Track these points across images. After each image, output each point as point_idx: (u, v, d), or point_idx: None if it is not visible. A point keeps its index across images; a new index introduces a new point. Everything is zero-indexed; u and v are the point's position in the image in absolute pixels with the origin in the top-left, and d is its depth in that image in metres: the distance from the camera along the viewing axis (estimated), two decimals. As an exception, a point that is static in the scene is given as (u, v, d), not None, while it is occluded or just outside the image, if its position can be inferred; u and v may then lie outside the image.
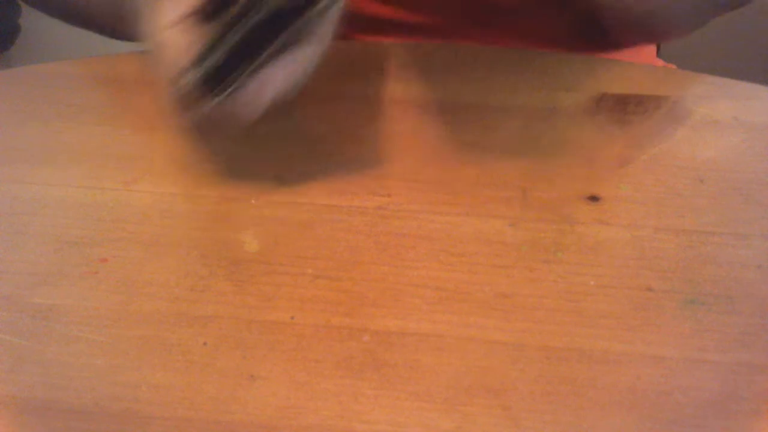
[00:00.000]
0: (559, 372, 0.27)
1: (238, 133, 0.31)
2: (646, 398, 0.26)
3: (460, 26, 0.49)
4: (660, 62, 0.58)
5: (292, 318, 0.29)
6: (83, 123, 0.40)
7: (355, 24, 0.50)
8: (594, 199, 0.34)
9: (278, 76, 0.30)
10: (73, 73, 0.44)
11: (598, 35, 0.50)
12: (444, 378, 0.27)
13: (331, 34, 0.32)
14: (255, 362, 0.28)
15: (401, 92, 0.42)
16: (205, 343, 0.28)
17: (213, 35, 0.29)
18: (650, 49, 0.57)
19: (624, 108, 0.40)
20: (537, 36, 0.49)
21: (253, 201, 0.35)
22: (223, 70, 0.29)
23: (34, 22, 1.51)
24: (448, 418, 0.26)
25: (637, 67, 0.45)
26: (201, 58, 0.29)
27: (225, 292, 0.30)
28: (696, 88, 0.41)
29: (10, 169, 0.37)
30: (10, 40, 1.51)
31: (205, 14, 0.29)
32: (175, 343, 0.28)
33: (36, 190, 0.35)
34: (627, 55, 0.53)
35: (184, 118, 0.31)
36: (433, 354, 0.28)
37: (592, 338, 0.28)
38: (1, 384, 0.27)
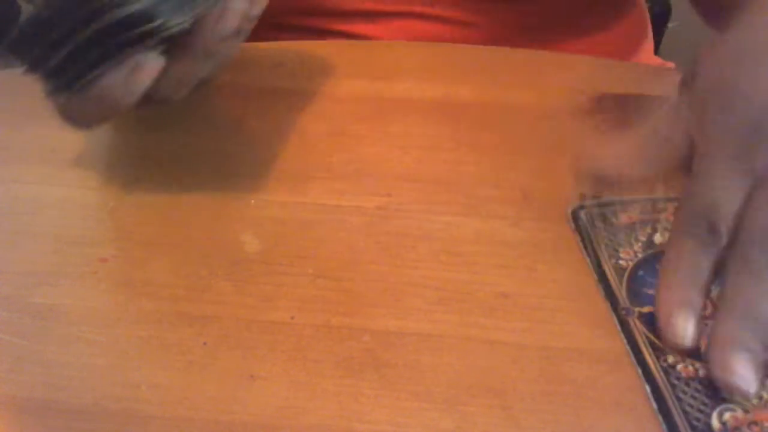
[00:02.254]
0: (559, 372, 0.27)
1: (114, 119, 0.31)
2: (646, 398, 0.26)
3: (467, 15, 0.49)
4: (658, 61, 0.58)
5: (292, 318, 0.29)
6: (83, 123, 0.40)
7: (352, 17, 0.49)
8: (594, 199, 0.34)
9: (153, 67, 0.29)
10: (73, 72, 0.44)
11: (599, 28, 0.50)
12: (444, 378, 0.27)
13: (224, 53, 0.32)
14: (255, 362, 0.28)
15: (401, 92, 0.42)
16: (205, 343, 0.28)
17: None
18: (649, 48, 0.57)
19: (624, 108, 0.40)
20: (536, 31, 0.49)
21: (253, 201, 0.35)
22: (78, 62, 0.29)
23: (34, 22, 1.50)
24: (448, 418, 0.26)
25: (637, 67, 0.45)
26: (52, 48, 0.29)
27: (225, 292, 0.30)
28: (696, 88, 0.41)
29: (10, 169, 0.37)
30: (10, 40, 1.51)
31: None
32: (175, 343, 0.28)
33: (36, 190, 0.35)
34: (626, 54, 0.53)
35: (56, 105, 0.31)
36: (433, 354, 0.28)
37: (592, 338, 0.28)
38: (1, 384, 0.27)
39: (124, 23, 0.28)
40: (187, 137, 0.39)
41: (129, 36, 0.29)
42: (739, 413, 0.25)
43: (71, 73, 0.29)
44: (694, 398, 0.26)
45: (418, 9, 0.48)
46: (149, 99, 0.31)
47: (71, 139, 0.39)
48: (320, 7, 0.49)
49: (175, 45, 0.30)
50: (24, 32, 0.30)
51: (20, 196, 0.35)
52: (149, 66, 0.30)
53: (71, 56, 0.29)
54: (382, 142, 0.38)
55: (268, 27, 0.45)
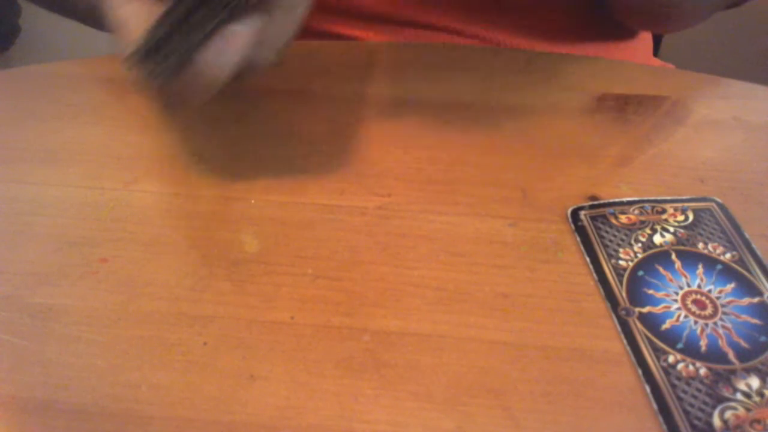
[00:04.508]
0: (559, 372, 0.27)
1: (209, 100, 0.31)
2: (646, 398, 0.26)
3: (460, 21, 0.49)
4: (657, 62, 0.58)
5: (292, 318, 0.29)
6: (83, 123, 0.40)
7: (354, 21, 0.50)
8: (594, 199, 0.34)
9: (243, 36, 0.29)
10: (73, 73, 0.44)
11: (599, 27, 0.50)
12: (444, 378, 0.27)
13: (304, 4, 0.32)
14: (255, 362, 0.28)
15: (401, 92, 0.42)
16: (205, 343, 0.28)
17: (166, 9, 0.29)
18: (648, 49, 0.57)
19: (624, 108, 0.40)
20: (536, 31, 0.49)
21: (253, 201, 0.35)
22: (174, 41, 0.29)
23: (34, 22, 1.51)
24: (448, 418, 0.26)
25: (637, 67, 0.45)
26: (151, 32, 0.29)
27: (225, 292, 0.30)
28: (696, 88, 0.41)
29: (10, 169, 0.37)
30: (10, 40, 1.51)
31: None
32: (175, 343, 0.28)
33: (36, 190, 0.35)
34: (627, 54, 0.53)
35: (149, 90, 0.31)
36: (433, 354, 0.28)
37: (592, 338, 0.28)
38: (1, 384, 0.27)
39: None
40: (187, 137, 0.39)
41: (217, 8, 0.29)
42: (741, 411, 0.25)
43: (167, 54, 0.29)
44: (695, 398, 0.26)
45: (416, 17, 0.48)
46: (242, 72, 0.31)
47: (71, 139, 0.39)
48: (321, 7, 0.49)
49: (258, 8, 0.30)
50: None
51: (20, 196, 0.35)
52: (241, 33, 0.29)
53: (165, 37, 0.29)
54: (382, 142, 0.38)
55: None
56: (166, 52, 0.29)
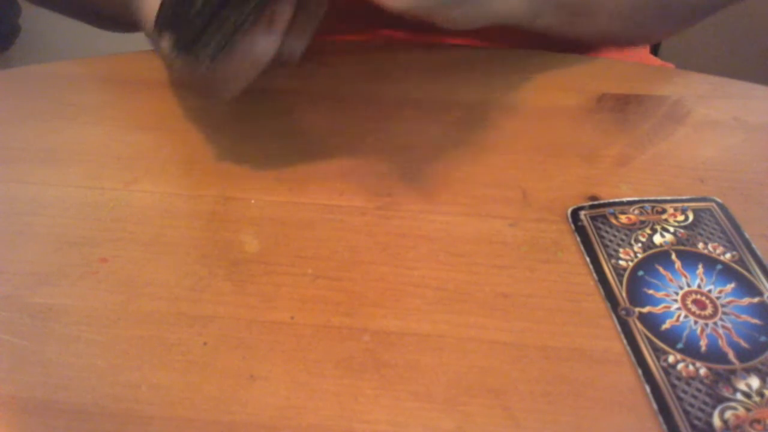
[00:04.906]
0: (559, 372, 0.27)
1: (252, 81, 0.31)
2: (646, 398, 0.26)
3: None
4: (657, 62, 0.58)
5: (292, 318, 0.29)
6: (83, 123, 0.40)
7: (356, 21, 0.50)
8: (594, 199, 0.34)
9: (283, 19, 0.30)
10: (73, 73, 0.44)
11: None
12: (444, 378, 0.27)
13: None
14: (255, 362, 0.28)
15: (401, 92, 0.42)
16: (205, 343, 0.28)
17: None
18: (646, 48, 0.57)
19: (624, 108, 0.40)
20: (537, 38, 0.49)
21: (253, 201, 0.35)
22: (214, 27, 0.29)
23: (34, 22, 1.51)
24: (448, 418, 0.26)
25: (637, 67, 0.45)
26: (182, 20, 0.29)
27: (225, 292, 0.30)
28: (696, 88, 0.41)
29: (10, 169, 0.37)
30: (10, 40, 1.51)
31: None
32: (175, 343, 0.28)
33: (36, 190, 0.35)
34: (625, 54, 0.53)
35: (189, 78, 0.31)
36: (433, 354, 0.28)
37: (592, 338, 0.28)
38: (1, 384, 0.27)
39: None
40: (187, 137, 0.39)
41: None
42: (741, 411, 0.25)
43: (210, 39, 0.29)
44: (695, 398, 0.26)
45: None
46: (276, 61, 0.31)
47: (71, 139, 0.39)
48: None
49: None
50: (167, 5, 0.30)
51: (20, 196, 0.35)
52: (281, 13, 0.30)
53: (209, 23, 0.29)
54: (382, 142, 0.38)
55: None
56: (208, 38, 0.29)
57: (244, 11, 0.29)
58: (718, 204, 0.34)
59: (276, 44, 0.30)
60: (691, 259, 0.31)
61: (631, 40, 0.48)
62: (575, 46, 0.46)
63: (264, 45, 0.29)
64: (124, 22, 0.45)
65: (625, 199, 0.34)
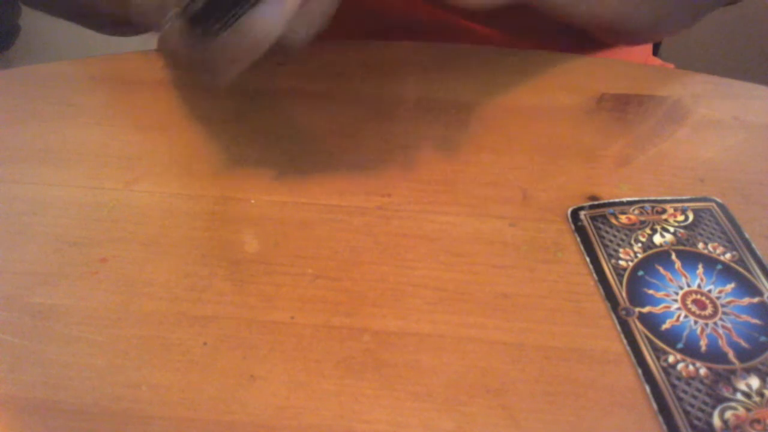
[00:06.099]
0: (559, 372, 0.27)
1: (249, 67, 0.30)
2: (646, 398, 0.26)
3: (461, 23, 0.49)
4: (657, 62, 0.58)
5: (292, 318, 0.29)
6: (83, 123, 0.40)
7: (357, 22, 0.50)
8: (594, 199, 0.34)
9: (278, 8, 0.29)
10: (73, 73, 0.44)
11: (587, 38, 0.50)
12: (444, 378, 0.27)
13: None
14: (255, 362, 0.28)
15: (401, 92, 0.42)
16: (205, 343, 0.28)
17: None
18: (647, 48, 0.57)
19: (624, 108, 0.40)
20: (536, 30, 0.49)
21: (253, 201, 0.35)
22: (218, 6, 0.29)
23: (34, 22, 1.51)
24: (448, 418, 0.26)
25: (637, 67, 0.45)
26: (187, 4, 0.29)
27: (225, 292, 0.30)
28: (696, 88, 0.41)
29: (10, 169, 0.37)
30: (10, 40, 1.51)
31: None
32: (175, 343, 0.28)
33: (36, 190, 0.35)
34: (625, 54, 0.53)
35: (190, 58, 0.30)
36: (433, 354, 0.28)
37: (592, 338, 0.28)
38: (1, 384, 0.27)
39: None
40: (187, 137, 0.39)
41: None
42: (741, 411, 0.25)
43: (216, 14, 0.29)
44: (695, 398, 0.26)
45: (418, 15, 0.49)
46: (278, 47, 0.30)
47: (71, 139, 0.39)
48: None
49: None
50: None
51: (20, 196, 0.35)
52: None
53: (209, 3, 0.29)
54: (382, 142, 0.38)
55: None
56: (212, 16, 0.29)
57: None
58: (718, 204, 0.34)
59: (280, 27, 0.29)
60: (691, 259, 0.31)
61: (641, 28, 0.47)
62: (583, 33, 0.46)
63: (268, 26, 0.29)
64: (112, 12, 0.45)
65: (625, 199, 0.34)
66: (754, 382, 0.27)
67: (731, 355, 0.27)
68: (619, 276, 0.31)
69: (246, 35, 0.29)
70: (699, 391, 0.26)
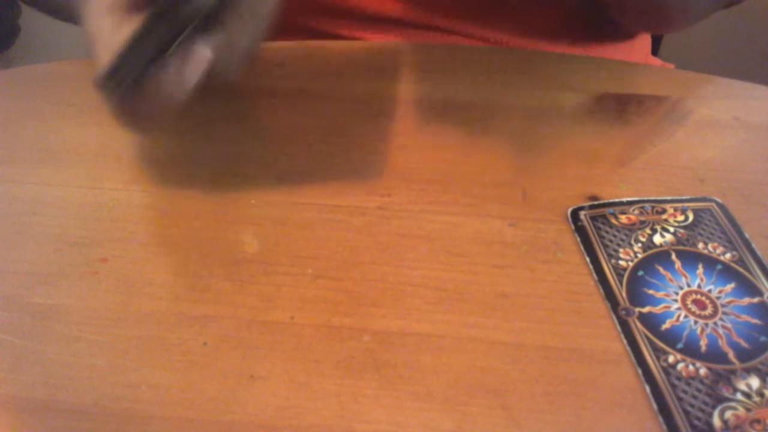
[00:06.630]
0: (559, 372, 0.27)
1: (172, 117, 0.31)
2: (646, 398, 0.26)
3: (460, 22, 0.49)
4: (657, 62, 0.58)
5: (292, 318, 0.29)
6: (83, 123, 0.40)
7: (356, 22, 0.50)
8: (594, 199, 0.34)
9: (203, 53, 0.30)
10: (73, 73, 0.44)
11: (597, 25, 0.50)
12: (444, 378, 0.27)
13: (268, 13, 0.32)
14: (255, 362, 0.28)
15: (401, 92, 0.42)
16: (205, 343, 0.28)
17: (137, 27, 0.29)
18: (646, 48, 0.57)
19: (624, 108, 0.40)
20: (536, 29, 0.49)
21: (253, 201, 0.35)
22: (136, 61, 0.29)
23: (34, 22, 1.50)
24: (448, 418, 0.26)
25: (637, 67, 0.45)
26: (123, 51, 0.29)
27: (225, 292, 0.30)
28: (696, 88, 0.41)
29: (10, 169, 0.37)
30: (10, 40, 1.51)
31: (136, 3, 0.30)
32: (175, 343, 0.28)
33: (36, 190, 0.35)
34: (625, 54, 0.53)
35: (114, 108, 0.31)
36: (433, 354, 0.28)
37: (592, 338, 0.28)
38: (1, 384, 0.27)
39: (169, 14, 0.29)
40: (187, 137, 0.39)
41: (176, 26, 0.29)
42: (741, 411, 0.25)
43: (129, 72, 0.29)
44: (695, 398, 0.26)
45: (416, 17, 0.48)
46: (206, 80, 0.31)
47: (71, 139, 0.39)
48: (323, 7, 0.49)
49: (216, 18, 0.30)
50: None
51: (20, 196, 0.35)
52: (201, 52, 0.29)
53: (129, 56, 0.29)
54: (382, 142, 0.38)
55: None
56: (128, 71, 0.29)
57: (167, 45, 0.29)
58: (718, 204, 0.34)
59: (193, 78, 0.30)
60: (691, 259, 0.31)
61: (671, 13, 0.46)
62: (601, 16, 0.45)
63: (182, 80, 0.29)
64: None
65: (625, 199, 0.34)
66: (754, 382, 0.27)
67: (731, 355, 0.27)
68: (619, 276, 0.31)
69: (160, 90, 0.29)
70: (699, 391, 0.26)
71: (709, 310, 0.29)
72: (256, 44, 0.32)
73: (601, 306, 0.30)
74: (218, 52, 0.30)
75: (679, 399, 0.26)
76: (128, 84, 0.29)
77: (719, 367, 0.27)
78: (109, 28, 0.31)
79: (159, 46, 0.29)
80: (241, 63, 0.32)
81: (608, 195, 0.34)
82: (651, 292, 0.30)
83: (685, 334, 0.28)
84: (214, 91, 0.41)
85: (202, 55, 0.30)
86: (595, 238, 0.32)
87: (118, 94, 0.30)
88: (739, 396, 0.26)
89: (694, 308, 0.29)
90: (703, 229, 0.33)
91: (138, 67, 0.29)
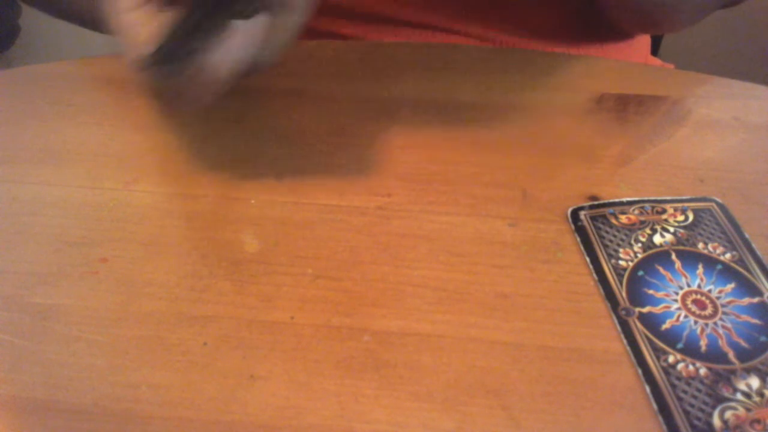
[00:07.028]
0: (558, 372, 0.27)
1: (209, 102, 0.31)
2: (646, 398, 0.26)
3: (460, 22, 0.49)
4: (657, 62, 0.58)
5: (292, 318, 0.29)
6: (83, 123, 0.40)
7: (356, 21, 0.50)
8: (594, 199, 0.34)
9: (249, 36, 0.30)
10: (73, 73, 0.44)
11: (597, 26, 0.50)
12: (444, 378, 0.27)
13: (309, 4, 0.32)
14: (255, 362, 0.28)
15: (401, 92, 0.42)
16: (205, 343, 0.28)
17: (172, 20, 0.29)
18: (646, 48, 0.57)
19: (624, 108, 0.40)
20: (536, 29, 0.49)
21: (253, 201, 0.35)
22: (184, 45, 0.29)
23: (34, 22, 1.50)
24: (448, 418, 0.26)
25: (637, 67, 0.45)
26: (165, 38, 0.30)
27: (225, 292, 0.30)
28: (696, 88, 0.41)
29: (10, 169, 0.37)
30: (10, 40, 1.51)
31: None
32: (175, 343, 0.28)
33: (36, 190, 0.35)
34: (625, 54, 0.53)
35: (157, 91, 0.31)
36: (433, 354, 0.28)
37: (592, 338, 0.28)
38: (1, 384, 0.27)
39: None
40: (187, 137, 0.39)
41: (227, 14, 0.29)
42: (741, 411, 0.25)
43: (177, 56, 0.29)
44: (695, 398, 0.26)
45: (416, 17, 0.49)
46: (246, 71, 0.31)
47: (71, 139, 0.39)
48: (323, 7, 0.49)
49: (263, 8, 0.30)
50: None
51: (20, 196, 0.35)
52: (246, 33, 0.30)
53: (177, 41, 0.29)
54: (382, 142, 0.38)
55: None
56: (176, 55, 0.29)
57: (214, 30, 0.29)
58: (718, 204, 0.34)
59: (239, 60, 0.30)
60: (691, 259, 0.31)
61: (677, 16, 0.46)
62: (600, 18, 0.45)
63: (228, 61, 0.30)
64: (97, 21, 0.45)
65: (625, 199, 0.34)
66: (754, 382, 0.27)
67: (731, 355, 0.27)
68: (619, 276, 0.31)
69: (207, 72, 0.29)
70: (699, 391, 0.26)
71: (709, 310, 0.29)
72: (295, 35, 0.32)
73: (601, 306, 0.30)
74: (262, 37, 0.30)
75: (679, 399, 0.26)
76: (174, 65, 0.29)
77: (719, 367, 0.27)
78: (140, 21, 0.31)
79: (205, 28, 0.29)
80: (281, 52, 0.32)
81: (608, 195, 0.34)
82: (651, 292, 0.30)
83: (685, 334, 0.28)
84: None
85: (248, 36, 0.30)
86: (595, 238, 0.32)
87: (163, 74, 0.30)
88: (739, 396, 0.26)
89: (694, 308, 0.29)
90: (703, 229, 0.33)
91: (185, 47, 0.29)
